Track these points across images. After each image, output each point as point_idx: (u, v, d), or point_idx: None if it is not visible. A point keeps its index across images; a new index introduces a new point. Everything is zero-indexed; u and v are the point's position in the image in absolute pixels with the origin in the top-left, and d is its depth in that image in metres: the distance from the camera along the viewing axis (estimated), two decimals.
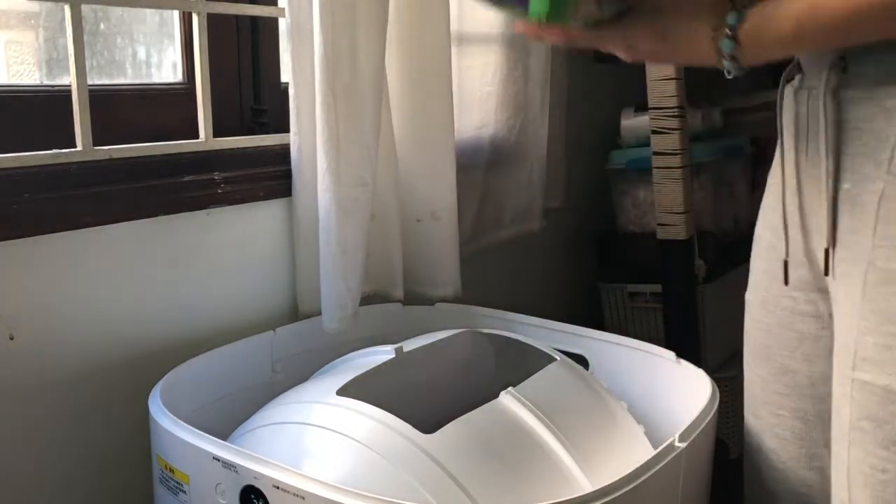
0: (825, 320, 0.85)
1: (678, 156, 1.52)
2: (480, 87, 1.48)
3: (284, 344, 1.13)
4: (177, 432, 0.84)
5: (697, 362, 1.03)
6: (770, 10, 0.71)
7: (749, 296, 0.96)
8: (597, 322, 1.81)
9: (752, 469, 0.96)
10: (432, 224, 1.29)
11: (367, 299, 1.21)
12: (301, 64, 1.12)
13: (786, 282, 0.89)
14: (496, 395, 0.89)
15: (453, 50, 1.31)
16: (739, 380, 0.98)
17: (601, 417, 0.95)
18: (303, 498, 0.72)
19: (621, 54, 0.84)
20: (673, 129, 1.52)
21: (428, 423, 0.82)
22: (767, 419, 0.93)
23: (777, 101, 0.87)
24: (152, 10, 1.19)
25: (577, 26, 0.81)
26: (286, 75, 1.16)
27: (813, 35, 0.70)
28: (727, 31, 0.72)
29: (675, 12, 0.78)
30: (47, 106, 1.03)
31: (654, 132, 1.54)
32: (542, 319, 1.18)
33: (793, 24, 0.70)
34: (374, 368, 0.96)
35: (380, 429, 0.82)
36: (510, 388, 0.90)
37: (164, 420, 0.86)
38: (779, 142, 0.89)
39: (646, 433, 0.96)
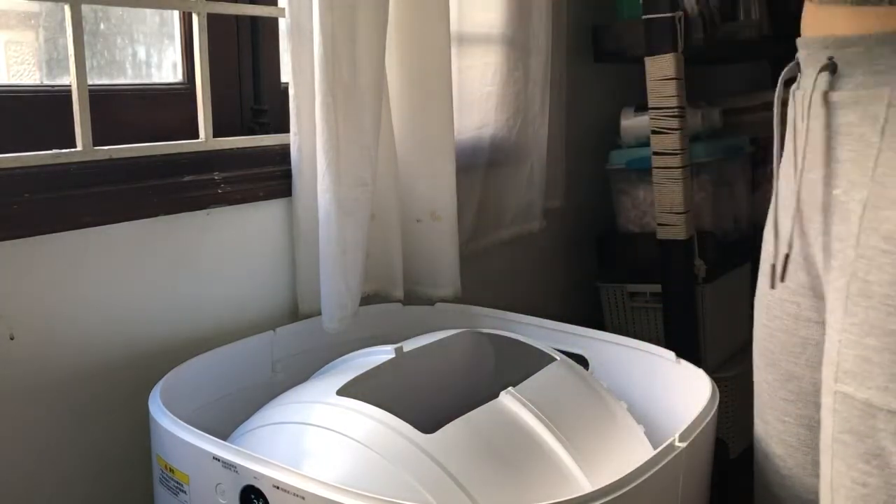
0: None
1: (678, 156, 1.52)
2: (480, 87, 1.48)
3: (284, 344, 1.13)
4: (177, 432, 0.84)
5: (697, 362, 1.03)
6: None
7: (756, 299, 0.95)
8: (597, 322, 1.81)
9: (761, 474, 0.95)
10: (432, 224, 1.29)
11: (367, 299, 1.21)
12: (301, 64, 1.12)
13: (772, 285, 0.88)
14: (496, 395, 0.89)
15: (453, 50, 1.31)
16: (739, 380, 0.97)
17: (601, 417, 0.95)
18: (303, 498, 0.72)
19: None
20: (673, 129, 1.52)
21: (428, 423, 0.82)
22: (774, 425, 0.92)
23: (775, 101, 0.87)
24: (152, 10, 1.19)
25: None
26: (286, 75, 1.16)
27: None
28: None
29: None
30: (47, 106, 1.03)
31: (654, 132, 1.54)
32: (542, 319, 1.18)
33: None
34: (374, 368, 0.96)
35: (380, 429, 0.82)
36: (510, 388, 0.90)
37: (164, 420, 0.86)
38: (775, 142, 0.89)
39: (646, 433, 0.96)
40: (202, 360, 1.03)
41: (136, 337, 1.03)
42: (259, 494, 0.75)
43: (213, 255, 1.11)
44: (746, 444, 0.99)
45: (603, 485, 0.73)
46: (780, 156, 0.88)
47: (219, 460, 0.78)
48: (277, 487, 0.74)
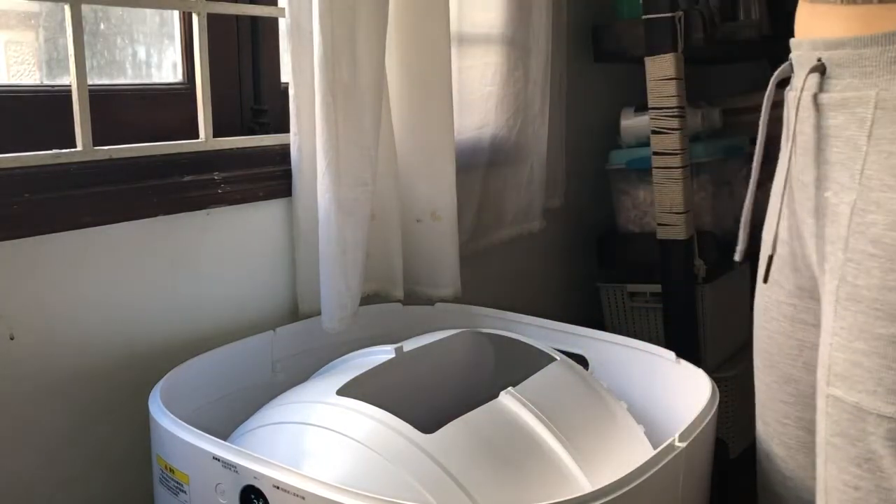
0: None
1: (678, 156, 1.52)
2: (480, 87, 1.48)
3: (284, 344, 1.13)
4: (177, 432, 0.84)
5: (697, 362, 1.03)
6: None
7: (755, 300, 0.95)
8: (597, 322, 1.81)
9: (763, 475, 0.95)
10: (432, 224, 1.29)
11: (367, 299, 1.21)
12: (301, 64, 1.12)
13: (765, 279, 0.88)
14: (496, 395, 0.89)
15: (453, 50, 1.31)
16: (739, 380, 0.97)
17: (601, 417, 0.95)
18: (303, 498, 0.72)
19: None
20: (673, 129, 1.52)
21: (428, 422, 0.82)
22: (774, 427, 0.92)
23: (764, 101, 0.86)
24: (152, 10, 1.19)
25: None
26: (286, 75, 1.16)
27: None
28: None
29: None
30: (47, 106, 1.03)
31: (654, 132, 1.54)
32: (542, 319, 1.18)
33: None
34: (374, 368, 0.96)
35: (380, 429, 0.82)
36: (510, 388, 0.90)
37: (164, 420, 0.86)
38: (758, 143, 0.88)
39: (646, 433, 0.96)
40: (202, 360, 1.03)
41: (136, 337, 1.03)
42: (259, 494, 0.75)
43: (212, 255, 1.11)
44: (746, 444, 0.99)
45: (603, 485, 0.73)
46: (762, 156, 0.88)
47: (219, 460, 0.78)
48: (277, 487, 0.74)
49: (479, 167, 1.48)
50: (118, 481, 1.01)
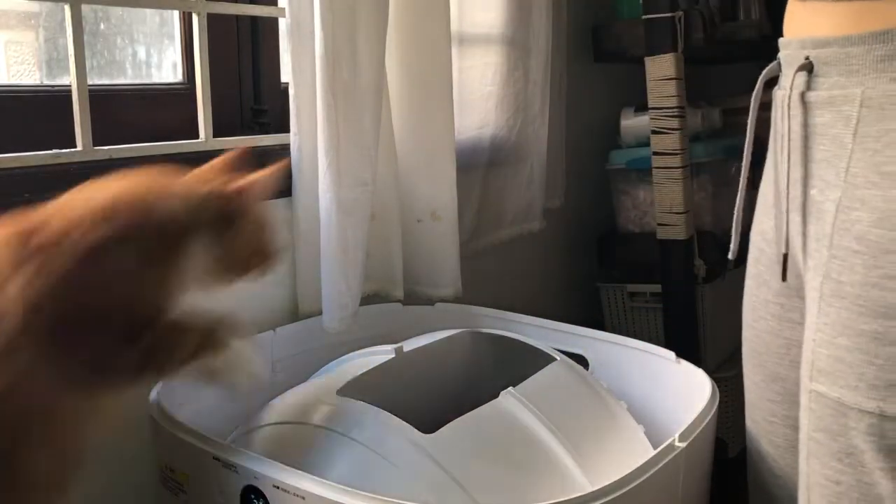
0: None
1: (678, 156, 1.52)
2: (480, 87, 1.48)
3: (284, 344, 1.13)
4: (177, 432, 0.84)
5: (697, 362, 1.03)
6: None
7: (744, 300, 0.96)
8: (597, 322, 1.81)
9: (754, 474, 0.96)
10: (432, 224, 1.29)
11: (367, 299, 1.21)
12: (301, 64, 1.12)
13: (783, 278, 0.88)
14: (496, 395, 0.89)
15: (453, 50, 1.31)
16: (739, 380, 0.98)
17: (600, 417, 0.95)
18: (303, 498, 0.72)
19: None
20: (673, 129, 1.52)
21: (428, 423, 0.82)
22: (763, 425, 0.93)
23: (752, 100, 0.87)
24: (152, 10, 1.19)
25: None
26: (286, 75, 1.16)
27: None
28: None
29: None
30: (47, 106, 1.03)
31: (654, 132, 1.54)
32: (542, 319, 1.18)
33: None
34: (374, 368, 0.96)
35: (380, 429, 0.82)
36: (510, 388, 0.90)
37: (164, 420, 0.86)
38: (747, 142, 0.89)
39: (646, 433, 0.96)
40: None
41: None
42: (259, 494, 0.75)
43: None
44: (745, 444, 1.00)
45: (603, 485, 0.73)
46: (753, 156, 0.89)
47: (219, 460, 0.78)
48: (278, 487, 0.74)
49: (479, 167, 1.48)
50: (118, 481, 1.01)
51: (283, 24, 1.17)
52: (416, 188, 1.28)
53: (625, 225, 1.82)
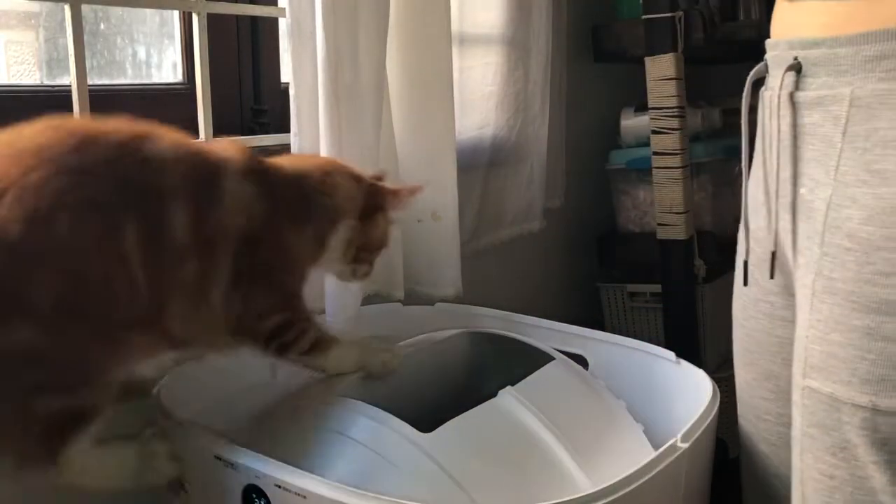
0: None
1: (678, 156, 1.52)
2: (481, 87, 1.48)
3: None
4: (178, 431, 0.84)
5: (697, 362, 1.03)
6: None
7: (734, 299, 0.96)
8: (597, 322, 1.81)
9: (748, 473, 0.96)
10: (433, 224, 1.29)
11: (367, 299, 1.21)
12: (301, 64, 1.12)
13: (745, 282, 0.90)
14: (495, 394, 0.89)
15: (454, 50, 1.31)
16: None
17: (599, 416, 0.95)
18: (304, 497, 0.72)
19: None
20: (673, 129, 1.52)
21: (427, 422, 0.82)
22: (756, 424, 0.93)
23: (742, 102, 0.88)
24: (152, 10, 1.19)
25: None
26: (286, 75, 1.16)
27: None
28: None
29: None
30: (47, 106, 1.03)
31: (654, 132, 1.54)
32: (541, 319, 1.18)
33: None
34: None
35: (379, 428, 0.82)
36: (508, 387, 0.90)
37: (165, 420, 0.86)
38: (743, 143, 0.90)
39: (646, 433, 0.96)
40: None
41: None
42: (261, 493, 0.75)
43: None
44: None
45: (605, 485, 0.73)
46: (750, 156, 0.90)
47: (220, 459, 0.78)
48: (279, 486, 0.74)
49: (479, 167, 1.48)
50: None
51: (283, 24, 1.17)
52: None
53: (625, 225, 1.82)
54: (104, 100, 1.06)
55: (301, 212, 0.87)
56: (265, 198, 0.83)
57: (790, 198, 0.80)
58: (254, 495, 0.76)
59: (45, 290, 0.68)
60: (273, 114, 1.26)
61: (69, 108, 0.98)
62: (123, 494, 1.01)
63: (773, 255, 0.85)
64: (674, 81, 1.51)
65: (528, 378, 0.94)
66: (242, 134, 1.21)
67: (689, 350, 1.49)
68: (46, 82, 1.11)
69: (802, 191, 0.78)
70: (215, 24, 1.16)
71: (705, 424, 0.86)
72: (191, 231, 0.76)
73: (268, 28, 1.26)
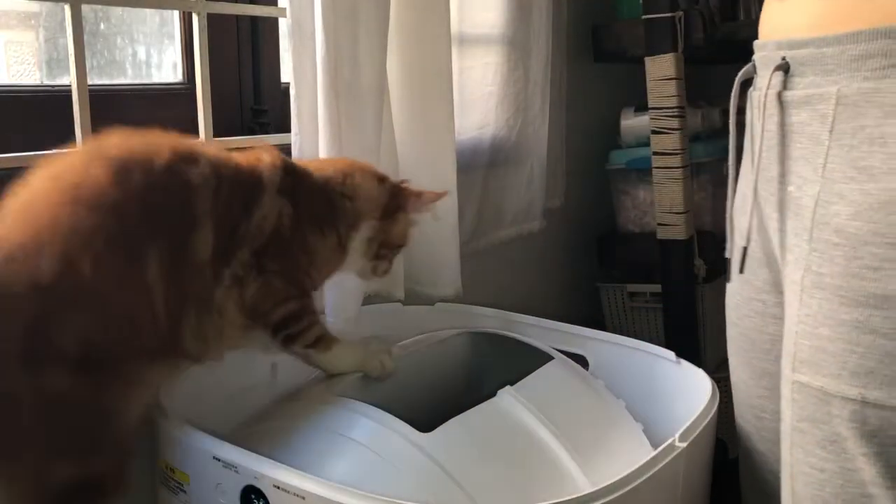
0: None
1: (678, 156, 1.52)
2: (481, 87, 1.48)
3: None
4: (177, 432, 0.84)
5: (697, 362, 1.03)
6: None
7: (726, 299, 0.97)
8: (597, 322, 1.81)
9: (746, 471, 0.97)
10: (432, 224, 1.29)
11: (367, 299, 1.21)
12: (302, 64, 1.12)
13: (728, 278, 0.92)
14: (494, 394, 0.89)
15: (454, 50, 1.31)
16: None
17: (598, 415, 0.95)
18: (303, 498, 0.72)
19: None
20: (673, 129, 1.52)
21: (426, 422, 0.82)
22: (753, 423, 0.93)
23: (731, 102, 0.90)
24: (152, 10, 1.19)
25: None
26: (286, 75, 1.16)
27: None
28: None
29: None
30: (47, 106, 1.03)
31: (654, 132, 1.54)
32: (541, 319, 1.18)
33: None
34: None
35: (378, 428, 0.82)
36: (507, 387, 0.90)
37: (165, 420, 0.86)
38: (731, 143, 0.92)
39: (646, 433, 0.96)
40: None
41: None
42: (259, 494, 0.75)
43: None
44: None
45: (603, 484, 0.73)
46: (737, 156, 0.91)
47: (219, 460, 0.78)
48: (278, 487, 0.74)
49: (479, 167, 1.48)
50: None
51: (283, 24, 1.17)
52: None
53: (625, 225, 1.82)
54: (104, 100, 1.06)
55: (325, 217, 0.90)
56: (295, 206, 0.86)
57: (777, 196, 0.82)
58: (253, 496, 0.76)
59: (72, 335, 0.69)
60: (273, 114, 1.26)
61: (69, 108, 0.98)
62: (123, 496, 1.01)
63: (745, 250, 0.87)
64: (674, 81, 1.51)
65: (528, 378, 0.94)
66: (242, 134, 1.22)
67: (688, 350, 1.49)
68: (46, 82, 1.11)
69: (790, 188, 0.80)
70: (215, 24, 1.16)
71: (704, 424, 0.86)
72: (213, 249, 0.78)
73: (268, 28, 1.26)
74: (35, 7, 1.07)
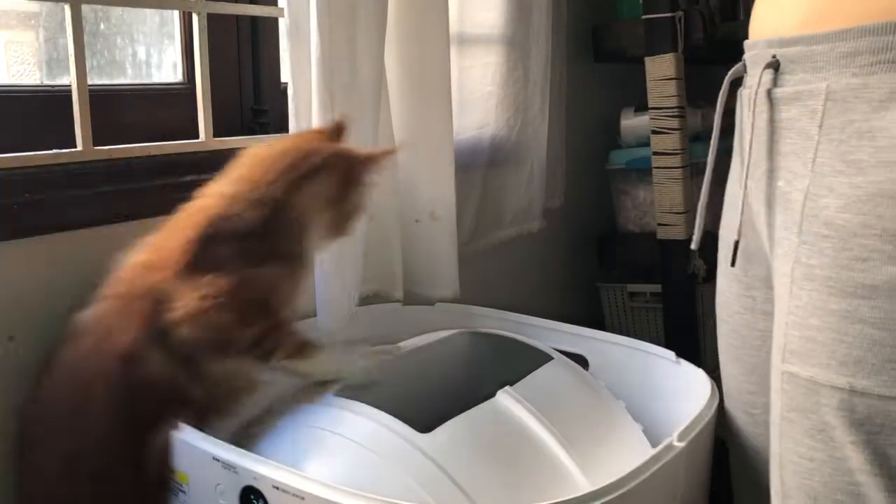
0: None
1: (678, 156, 1.52)
2: (480, 87, 1.48)
3: None
4: (176, 432, 0.84)
5: (697, 362, 1.04)
6: None
7: (716, 297, 0.98)
8: (597, 322, 1.81)
9: (738, 466, 0.97)
10: (432, 224, 1.29)
11: (366, 299, 1.21)
12: (300, 64, 1.12)
13: (732, 263, 0.91)
14: (493, 394, 0.89)
15: (453, 50, 1.31)
16: None
17: (598, 415, 0.95)
18: (302, 498, 0.72)
19: None
20: (673, 129, 1.52)
21: (425, 422, 0.82)
22: (744, 419, 0.94)
23: (719, 100, 0.91)
24: (152, 10, 1.19)
25: None
26: (286, 75, 1.16)
27: None
28: None
29: None
30: (47, 106, 1.03)
31: (654, 132, 1.54)
32: (541, 319, 1.18)
33: None
34: None
35: (377, 429, 0.82)
36: (507, 387, 0.90)
37: None
38: (712, 141, 0.94)
39: (646, 433, 0.96)
40: None
41: None
42: (259, 495, 0.75)
43: None
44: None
45: (602, 484, 0.73)
46: (716, 152, 0.94)
47: (218, 461, 0.78)
48: (277, 488, 0.74)
49: (478, 167, 1.48)
50: None
51: (282, 24, 1.17)
52: (415, 188, 1.28)
53: (625, 225, 1.82)
54: (104, 100, 1.06)
55: (272, 248, 0.88)
56: (240, 262, 0.86)
57: (766, 192, 0.83)
58: (252, 497, 0.76)
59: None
60: (273, 114, 1.26)
61: (69, 108, 0.98)
62: None
63: (737, 244, 0.88)
64: (674, 81, 1.51)
65: (527, 378, 0.94)
66: (242, 134, 1.22)
67: (688, 350, 1.49)
68: (46, 82, 1.11)
69: (780, 183, 0.81)
70: (215, 24, 1.16)
71: (702, 423, 0.86)
72: None
73: (268, 28, 1.26)
74: (35, 7, 1.07)
